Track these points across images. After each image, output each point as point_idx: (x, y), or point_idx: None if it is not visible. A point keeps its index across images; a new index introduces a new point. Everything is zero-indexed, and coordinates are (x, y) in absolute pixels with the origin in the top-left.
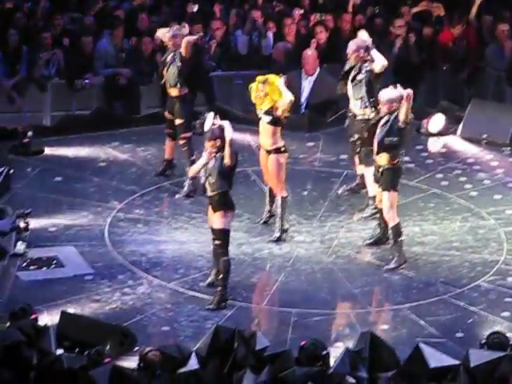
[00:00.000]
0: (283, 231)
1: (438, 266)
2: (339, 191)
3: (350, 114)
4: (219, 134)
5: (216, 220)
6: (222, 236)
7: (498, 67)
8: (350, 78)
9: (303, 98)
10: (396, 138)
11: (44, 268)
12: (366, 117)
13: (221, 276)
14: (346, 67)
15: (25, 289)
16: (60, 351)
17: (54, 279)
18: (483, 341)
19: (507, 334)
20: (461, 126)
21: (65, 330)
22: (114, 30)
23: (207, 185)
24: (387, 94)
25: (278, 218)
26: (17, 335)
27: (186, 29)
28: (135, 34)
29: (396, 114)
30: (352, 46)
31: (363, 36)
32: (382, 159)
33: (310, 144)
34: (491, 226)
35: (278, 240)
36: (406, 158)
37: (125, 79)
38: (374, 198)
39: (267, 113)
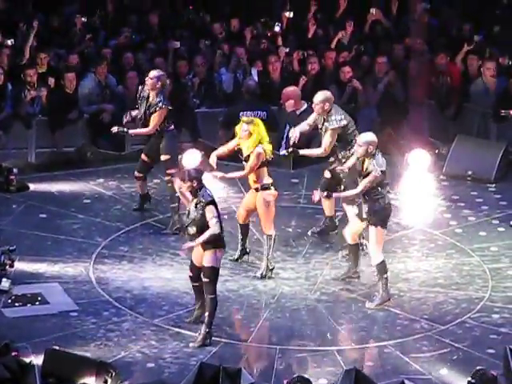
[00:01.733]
0: (269, 270)
1: (423, 303)
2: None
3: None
4: (195, 175)
5: (206, 257)
6: (212, 274)
7: (482, 104)
8: (319, 126)
9: (284, 136)
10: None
11: (29, 305)
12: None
13: (207, 313)
14: (310, 119)
15: (9, 325)
16: None
17: (39, 316)
18: (472, 380)
19: (492, 372)
20: (446, 163)
21: (50, 367)
22: (98, 67)
23: (189, 232)
24: (365, 136)
25: (264, 256)
26: (1, 371)
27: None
28: (120, 71)
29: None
30: (320, 97)
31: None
32: None
33: (295, 180)
34: (476, 263)
35: (262, 277)
36: (390, 195)
37: (109, 116)
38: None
39: (246, 160)
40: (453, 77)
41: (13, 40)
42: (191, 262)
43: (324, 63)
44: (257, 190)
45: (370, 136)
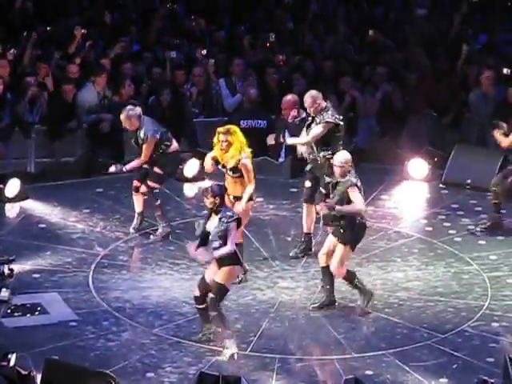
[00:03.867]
0: (245, 273)
1: (422, 312)
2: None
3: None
4: (219, 191)
5: (220, 274)
6: (220, 292)
7: (481, 113)
8: (306, 125)
9: (283, 145)
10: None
11: (28, 315)
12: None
13: (220, 330)
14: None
15: (9, 335)
16: None
17: (39, 326)
18: None
19: (492, 381)
20: (445, 171)
21: (49, 377)
22: (97, 78)
23: (213, 246)
24: (339, 157)
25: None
26: (1, 382)
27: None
28: (118, 81)
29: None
30: (308, 99)
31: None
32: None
33: (293, 190)
34: (475, 272)
35: (240, 282)
36: (390, 204)
37: (108, 125)
38: None
39: (233, 170)
40: (451, 85)
41: (14, 50)
42: (202, 279)
43: (323, 70)
44: (237, 199)
45: (346, 155)
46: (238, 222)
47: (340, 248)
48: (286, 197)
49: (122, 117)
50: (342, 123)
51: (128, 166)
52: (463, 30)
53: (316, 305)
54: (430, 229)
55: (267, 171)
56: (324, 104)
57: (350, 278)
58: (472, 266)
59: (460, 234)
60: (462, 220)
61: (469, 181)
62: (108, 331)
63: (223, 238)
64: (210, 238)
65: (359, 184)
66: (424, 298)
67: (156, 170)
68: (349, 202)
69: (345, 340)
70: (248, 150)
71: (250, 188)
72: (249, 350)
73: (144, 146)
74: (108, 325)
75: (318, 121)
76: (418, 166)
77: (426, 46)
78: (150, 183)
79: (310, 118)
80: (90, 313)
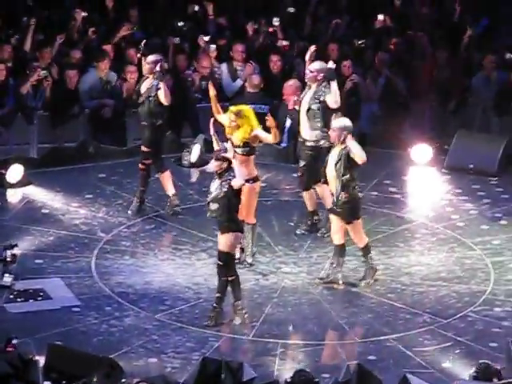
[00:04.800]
0: (253, 255)
1: (425, 297)
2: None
3: (300, 140)
4: (227, 156)
5: (222, 241)
6: (226, 258)
7: (484, 97)
8: (304, 103)
9: (286, 130)
10: (349, 175)
11: (31, 300)
12: (315, 144)
13: (217, 294)
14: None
15: (12, 321)
16: (47, 383)
17: (41, 311)
18: (474, 372)
19: (495, 365)
20: (447, 157)
21: (52, 362)
22: (100, 63)
23: (211, 208)
24: (338, 122)
25: (249, 245)
26: (4, 367)
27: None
28: (121, 66)
29: (347, 149)
30: (316, 65)
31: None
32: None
33: (296, 175)
34: (478, 257)
35: (251, 265)
36: (392, 189)
37: (110, 111)
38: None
39: (240, 146)
40: (454, 70)
41: (17, 36)
42: None
43: (326, 54)
44: (246, 181)
45: (346, 121)
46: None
47: (350, 227)
48: (288, 182)
49: (150, 59)
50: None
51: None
52: (464, 14)
53: (324, 280)
54: (433, 214)
55: (270, 156)
56: (322, 78)
57: (368, 250)
58: (475, 251)
59: (463, 218)
60: (464, 205)
61: (471, 166)
62: (111, 316)
63: (221, 202)
64: (208, 199)
65: None
66: (427, 282)
67: (143, 148)
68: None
69: (347, 325)
70: (260, 127)
71: (270, 137)
72: (252, 335)
73: (160, 91)
74: (111, 310)
75: (317, 100)
76: (421, 152)
77: (428, 31)
78: (144, 161)
79: (306, 89)
80: (92, 298)
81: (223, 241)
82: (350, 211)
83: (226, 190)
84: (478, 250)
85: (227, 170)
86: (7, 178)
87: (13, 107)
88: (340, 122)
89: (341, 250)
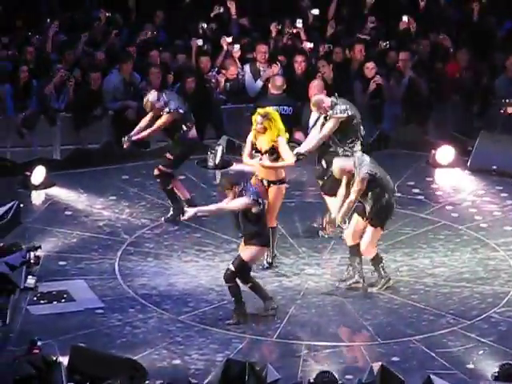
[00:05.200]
0: (274, 257)
1: (449, 298)
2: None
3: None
4: (231, 180)
5: (246, 251)
6: (241, 267)
7: (507, 98)
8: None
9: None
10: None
11: (54, 302)
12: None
13: (232, 299)
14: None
15: (35, 323)
16: None
17: (65, 313)
18: (496, 373)
19: None
20: (470, 158)
21: (75, 364)
22: (123, 65)
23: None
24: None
25: (270, 247)
26: (27, 369)
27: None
28: (144, 68)
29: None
30: (313, 107)
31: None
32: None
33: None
34: (501, 258)
35: (270, 266)
36: (416, 190)
37: (134, 113)
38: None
39: (268, 152)
40: (477, 72)
41: (38, 37)
42: None
43: (351, 55)
44: (272, 183)
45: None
46: (263, 205)
47: (370, 229)
48: (312, 183)
49: (145, 103)
50: (351, 112)
51: (135, 137)
52: (487, 16)
53: (345, 283)
54: (456, 215)
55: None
56: (329, 102)
57: (378, 260)
58: (498, 252)
59: (486, 220)
60: (488, 206)
61: (494, 167)
62: (134, 318)
63: (248, 220)
64: (240, 219)
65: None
66: (450, 284)
67: (168, 155)
68: None
69: (371, 326)
70: (285, 136)
71: (287, 161)
72: (275, 336)
73: (164, 116)
74: (134, 312)
75: (330, 113)
76: (444, 153)
77: (451, 33)
78: (161, 167)
79: (322, 118)
80: (116, 300)
81: (247, 251)
82: (380, 215)
83: (246, 214)
84: (501, 251)
85: (243, 190)
86: (32, 180)
87: (36, 109)
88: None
89: (358, 250)
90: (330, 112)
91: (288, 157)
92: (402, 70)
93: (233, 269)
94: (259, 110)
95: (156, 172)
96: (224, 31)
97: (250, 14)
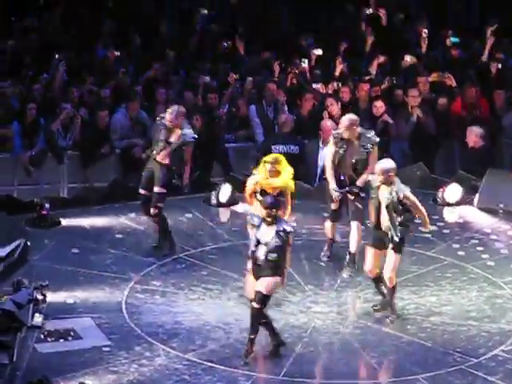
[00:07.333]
0: None
1: (456, 336)
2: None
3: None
4: (275, 202)
5: (264, 283)
6: (264, 300)
7: None
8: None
9: (319, 168)
10: (407, 214)
11: (61, 340)
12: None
13: (251, 336)
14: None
15: (42, 361)
16: None
17: (72, 351)
18: None
19: None
20: (477, 196)
21: None
22: (130, 103)
23: (262, 255)
24: (383, 164)
25: None
26: None
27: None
28: (150, 105)
29: (396, 191)
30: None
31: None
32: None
33: (326, 214)
34: (508, 296)
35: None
36: (423, 228)
37: (140, 150)
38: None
39: (279, 194)
40: (483, 110)
41: (46, 75)
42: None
43: (357, 95)
44: None
45: (388, 163)
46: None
47: (394, 256)
48: (318, 221)
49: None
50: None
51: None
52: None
53: (388, 318)
54: (463, 253)
55: (300, 195)
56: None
57: (394, 292)
58: (505, 291)
59: (493, 258)
60: (494, 244)
61: (502, 205)
62: (141, 356)
63: (281, 251)
64: (266, 249)
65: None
66: (457, 322)
67: (157, 189)
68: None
69: (378, 364)
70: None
71: (286, 215)
72: (282, 374)
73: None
74: (141, 350)
75: (365, 143)
76: (451, 191)
77: (455, 71)
78: (158, 204)
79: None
80: (123, 338)
81: (266, 283)
82: (403, 242)
83: (285, 239)
84: (508, 289)
85: (277, 217)
86: (38, 218)
87: (43, 147)
88: (383, 164)
89: (383, 280)
90: (365, 143)
91: (288, 212)
92: (412, 106)
93: (257, 306)
94: (266, 159)
95: (155, 212)
96: (232, 69)
97: (256, 52)
